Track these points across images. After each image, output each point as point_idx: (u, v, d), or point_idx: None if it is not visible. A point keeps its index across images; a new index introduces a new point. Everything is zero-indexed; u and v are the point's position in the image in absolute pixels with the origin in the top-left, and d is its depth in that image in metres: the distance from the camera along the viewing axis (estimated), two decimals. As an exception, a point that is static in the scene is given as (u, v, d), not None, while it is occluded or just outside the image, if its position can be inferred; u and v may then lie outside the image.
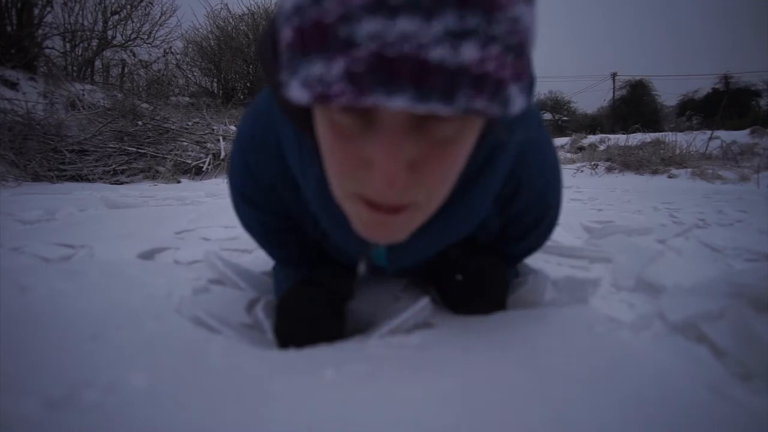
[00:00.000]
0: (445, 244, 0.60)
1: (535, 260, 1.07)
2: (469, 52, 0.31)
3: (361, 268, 0.65)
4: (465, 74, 0.32)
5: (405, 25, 0.30)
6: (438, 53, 0.30)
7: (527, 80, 0.38)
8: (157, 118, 5.99)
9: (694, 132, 8.56)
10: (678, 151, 6.86)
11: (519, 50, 0.34)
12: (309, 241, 0.76)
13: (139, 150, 5.16)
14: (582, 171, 6.79)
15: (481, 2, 0.30)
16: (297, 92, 0.36)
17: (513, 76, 0.35)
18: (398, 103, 0.32)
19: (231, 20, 11.09)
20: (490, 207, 0.58)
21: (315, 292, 0.70)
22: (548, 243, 1.00)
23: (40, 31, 7.15)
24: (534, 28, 0.36)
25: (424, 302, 0.70)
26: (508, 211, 0.64)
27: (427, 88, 0.31)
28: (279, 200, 0.68)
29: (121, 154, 5.05)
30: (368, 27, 0.30)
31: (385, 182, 0.37)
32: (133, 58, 8.93)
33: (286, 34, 0.35)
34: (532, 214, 0.68)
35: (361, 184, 0.41)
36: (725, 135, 7.81)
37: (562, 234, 1.54)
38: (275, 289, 0.82)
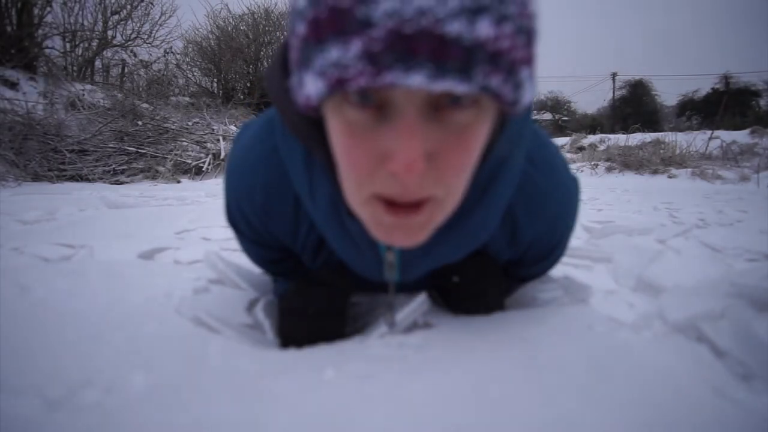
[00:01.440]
0: (459, 253, 0.59)
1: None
2: (484, 28, 0.32)
3: (391, 295, 0.65)
4: (481, 50, 0.33)
5: (422, 0, 0.31)
6: (455, 27, 0.31)
7: (535, 72, 0.39)
8: (157, 118, 5.99)
9: (694, 132, 8.58)
10: (678, 151, 6.87)
11: (528, 35, 0.36)
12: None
13: (139, 150, 5.16)
14: (582, 171, 6.79)
15: None
16: (311, 85, 0.36)
17: (524, 60, 0.36)
18: (416, 80, 0.32)
19: (231, 20, 11.10)
20: (498, 223, 0.58)
21: (316, 291, 0.70)
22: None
23: (40, 31, 7.15)
24: (538, 18, 0.37)
25: (422, 298, 0.70)
26: (518, 241, 0.64)
27: (445, 63, 0.32)
28: (274, 237, 0.67)
29: (121, 154, 5.05)
30: (385, 5, 0.31)
31: (405, 167, 0.37)
32: (133, 58, 8.93)
33: (300, 29, 0.36)
34: (541, 248, 0.68)
35: (379, 182, 0.40)
36: (725, 135, 7.82)
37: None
38: (274, 289, 0.82)
